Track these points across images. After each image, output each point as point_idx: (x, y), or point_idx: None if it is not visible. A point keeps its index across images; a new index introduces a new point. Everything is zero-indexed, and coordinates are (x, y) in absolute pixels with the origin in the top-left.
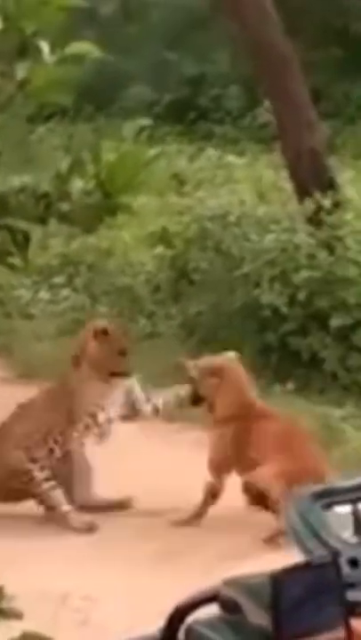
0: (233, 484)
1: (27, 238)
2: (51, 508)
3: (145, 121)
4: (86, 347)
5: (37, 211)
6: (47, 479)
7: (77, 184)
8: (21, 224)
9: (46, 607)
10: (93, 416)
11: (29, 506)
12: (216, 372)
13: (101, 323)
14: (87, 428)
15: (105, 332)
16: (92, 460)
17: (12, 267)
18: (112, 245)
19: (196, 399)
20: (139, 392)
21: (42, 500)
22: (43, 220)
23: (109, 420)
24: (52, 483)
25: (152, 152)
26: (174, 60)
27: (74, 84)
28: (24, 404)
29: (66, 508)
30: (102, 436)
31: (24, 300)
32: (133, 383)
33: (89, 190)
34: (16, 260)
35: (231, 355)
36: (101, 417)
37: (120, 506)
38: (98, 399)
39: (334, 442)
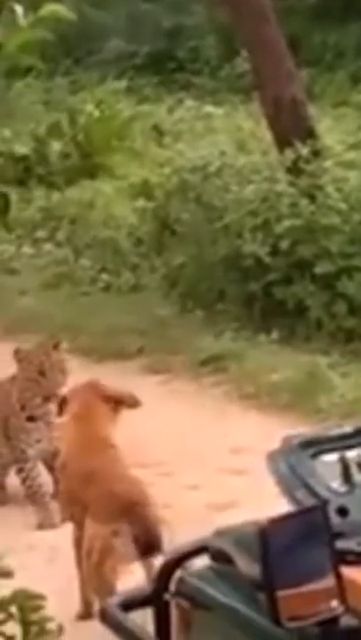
0: None
1: (7, 202)
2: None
3: (120, 84)
4: None
5: (16, 173)
6: None
7: (55, 147)
8: (0, 187)
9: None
10: None
11: None
12: None
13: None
14: None
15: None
16: None
17: None
18: (93, 198)
19: None
20: None
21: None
22: (22, 183)
23: None
24: None
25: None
26: (151, 12)
27: (45, 46)
28: None
29: None
30: None
31: (7, 255)
32: None
33: (67, 153)
34: None
35: None
36: None
37: None
38: None
39: (321, 390)
